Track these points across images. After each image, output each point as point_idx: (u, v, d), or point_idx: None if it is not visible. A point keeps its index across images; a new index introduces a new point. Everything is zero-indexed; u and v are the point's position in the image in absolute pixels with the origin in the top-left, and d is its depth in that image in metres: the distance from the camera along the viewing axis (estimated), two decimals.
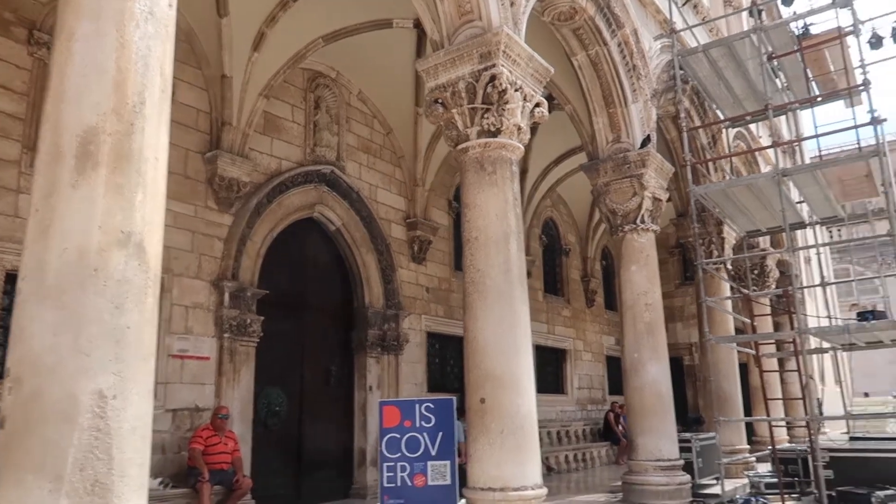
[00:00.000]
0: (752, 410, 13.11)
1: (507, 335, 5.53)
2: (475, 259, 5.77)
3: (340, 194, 9.83)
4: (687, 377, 17.75)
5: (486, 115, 5.86)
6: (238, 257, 8.23)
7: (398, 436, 5.86)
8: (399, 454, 5.83)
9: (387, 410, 5.93)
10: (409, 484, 5.76)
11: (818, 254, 11.19)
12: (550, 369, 15.04)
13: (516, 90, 5.96)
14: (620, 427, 13.98)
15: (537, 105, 6.28)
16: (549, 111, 9.66)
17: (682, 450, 9.21)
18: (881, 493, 7.59)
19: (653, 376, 8.26)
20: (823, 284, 10.66)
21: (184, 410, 7.43)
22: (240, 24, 8.22)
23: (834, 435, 11.95)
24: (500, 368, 5.47)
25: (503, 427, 5.33)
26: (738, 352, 11.06)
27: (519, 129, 5.98)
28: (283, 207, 9.01)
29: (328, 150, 9.75)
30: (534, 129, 13.10)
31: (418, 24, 8.62)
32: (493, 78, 5.84)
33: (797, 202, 10.40)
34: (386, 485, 5.78)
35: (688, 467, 9.01)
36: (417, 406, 5.90)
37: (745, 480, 9.78)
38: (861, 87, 8.33)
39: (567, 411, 14.92)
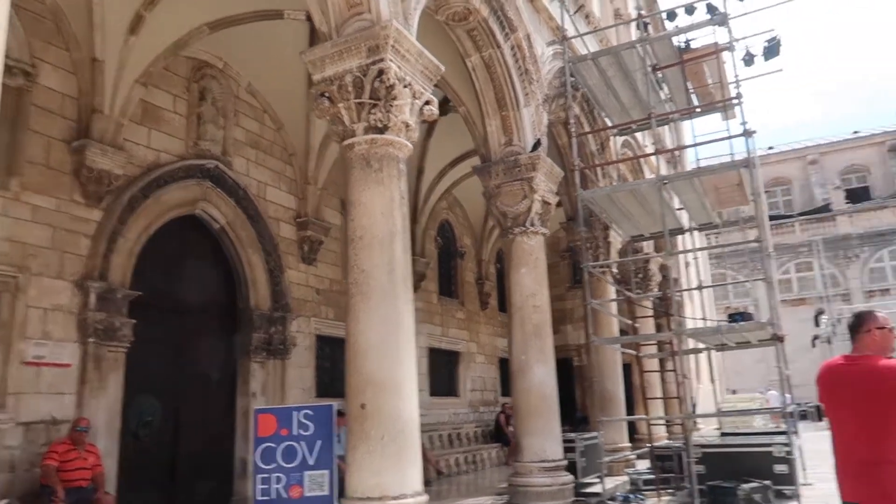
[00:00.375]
0: (635, 409, 13.62)
1: (390, 338, 5.38)
2: (359, 259, 5.59)
3: (226, 191, 9.36)
4: (577, 378, 18.23)
5: (373, 111, 5.69)
6: (108, 256, 7.64)
7: (274, 445, 5.57)
8: (275, 464, 5.54)
9: (262, 419, 5.63)
10: (285, 496, 5.49)
11: (695, 258, 11.76)
12: (444, 372, 15.01)
13: (405, 86, 5.82)
14: (511, 428, 14.14)
15: (427, 103, 6.16)
16: (445, 113, 9.77)
17: (567, 450, 9.40)
18: (746, 486, 8.01)
19: (539, 378, 8.35)
20: (700, 287, 11.24)
21: (38, 423, 6.78)
22: (114, 4, 7.64)
23: (708, 431, 12.62)
24: (381, 373, 5.30)
25: (383, 433, 5.17)
26: (623, 353, 11.45)
27: (407, 126, 5.85)
28: (161, 203, 8.45)
29: (213, 145, 9.26)
30: (430, 129, 13.13)
31: (311, 17, 8.35)
32: (381, 72, 5.68)
33: (677, 209, 10.90)
34: (259, 498, 5.48)
35: (572, 467, 9.21)
36: (295, 413, 5.64)
37: (626, 478, 10.09)
38: (735, 101, 8.80)
39: (460, 413, 14.96)
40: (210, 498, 8.73)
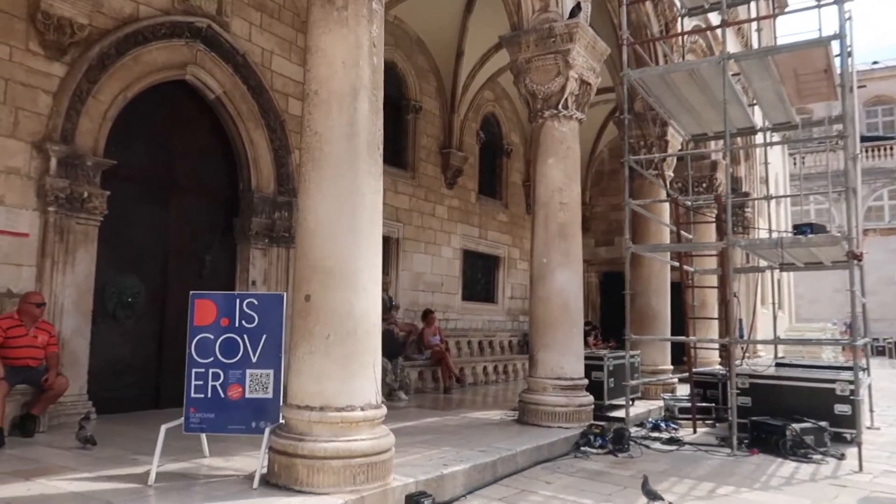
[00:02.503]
0: (685, 331, 12.34)
1: (343, 217, 4.32)
2: (312, 119, 4.48)
3: (221, 56, 8.28)
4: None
5: None
6: (73, 117, 6.77)
7: (212, 336, 4.71)
8: (212, 359, 4.69)
9: (200, 305, 4.75)
10: (222, 395, 4.66)
11: (765, 163, 10.06)
12: (481, 276, 14.05)
13: None
14: None
15: None
16: None
17: (594, 368, 8.37)
18: (797, 426, 6.80)
19: (560, 284, 7.22)
20: (768, 198, 9.63)
21: None
22: None
23: (762, 360, 11.28)
24: (332, 259, 4.29)
25: (329, 332, 4.21)
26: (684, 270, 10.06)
27: None
28: (141, 64, 7.47)
29: (206, 1, 8.12)
30: (469, 4, 11.58)
31: None
32: None
33: (749, 104, 9.20)
34: (193, 395, 4.68)
35: (598, 387, 8.19)
36: (238, 301, 4.73)
37: (661, 403, 9.00)
38: None
39: (496, 321, 14.06)
40: None
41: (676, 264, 9.61)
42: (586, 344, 14.48)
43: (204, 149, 8.50)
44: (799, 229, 6.71)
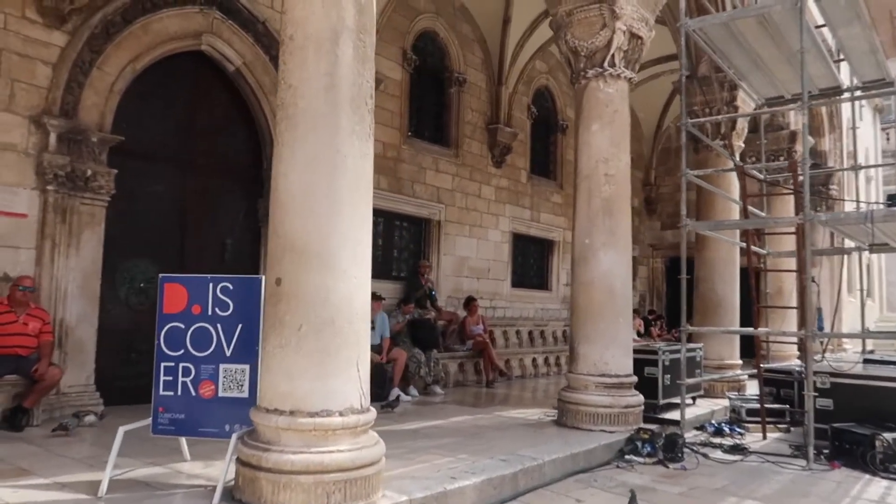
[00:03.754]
0: (758, 321, 11.14)
1: (319, 185, 3.63)
2: (287, 69, 3.80)
3: (240, 24, 7.74)
4: None
5: None
6: (74, 90, 6.35)
7: (182, 326, 4.13)
8: (182, 351, 4.11)
9: (169, 289, 4.17)
10: (193, 393, 4.08)
11: (853, 128, 8.76)
12: (532, 261, 13.18)
13: None
14: None
15: None
16: None
17: (648, 363, 7.46)
18: (888, 436, 5.73)
19: (605, 267, 6.35)
20: (855, 168, 8.37)
21: None
22: None
23: (848, 355, 10.01)
24: (304, 235, 3.61)
25: (301, 322, 3.54)
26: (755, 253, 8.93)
27: None
28: (152, 33, 6.99)
29: None
30: None
31: None
32: None
33: (835, 61, 7.99)
34: (162, 392, 4.11)
35: (651, 385, 7.28)
36: (211, 286, 4.12)
37: (727, 403, 7.99)
38: None
39: (549, 309, 13.18)
40: None
41: (752, 248, 8.50)
42: (649, 334, 13.49)
43: (224, 125, 7.99)
44: (894, 200, 5.60)
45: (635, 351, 7.09)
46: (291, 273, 3.61)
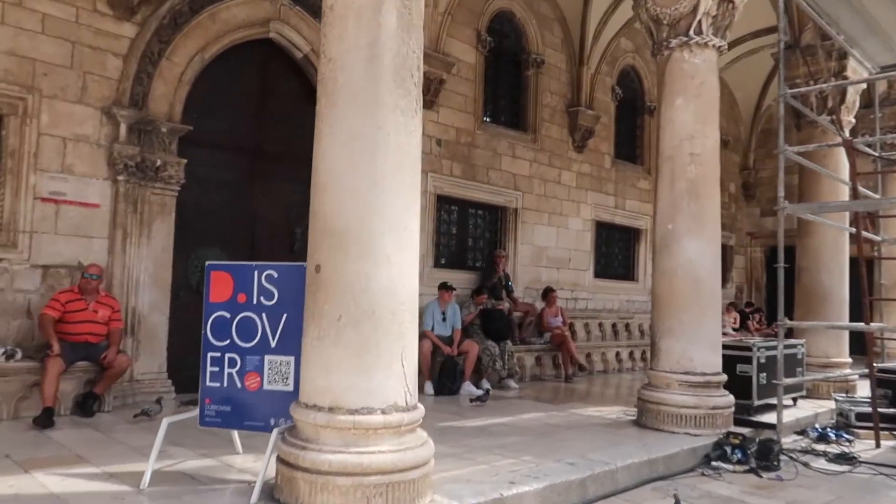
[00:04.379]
0: (871, 315, 10.08)
1: (359, 164, 3.37)
2: (326, 41, 3.56)
3: (307, 9, 7.62)
4: None
5: None
6: (144, 80, 6.40)
7: (228, 315, 3.99)
8: (228, 341, 3.98)
9: (216, 277, 4.04)
10: (239, 385, 3.93)
11: None
12: (617, 251, 12.54)
13: None
14: None
15: None
16: None
17: (741, 360, 6.82)
18: None
19: (690, 255, 5.78)
20: None
21: (60, 268, 5.92)
22: None
23: None
24: (343, 218, 3.36)
25: (341, 312, 3.29)
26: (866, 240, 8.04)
27: None
28: (218, 22, 6.97)
29: None
30: None
31: None
32: None
33: None
34: (209, 384, 3.99)
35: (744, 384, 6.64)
36: (256, 274, 3.95)
37: (833, 405, 7.20)
38: None
39: (636, 301, 12.50)
40: None
41: (864, 234, 7.62)
42: (746, 328, 12.55)
43: (293, 112, 7.89)
44: None
45: (726, 347, 6.48)
46: (330, 259, 3.37)
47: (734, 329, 11.39)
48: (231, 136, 7.33)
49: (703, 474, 4.94)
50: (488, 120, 10.00)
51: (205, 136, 6.94)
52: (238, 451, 4.36)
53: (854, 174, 6.55)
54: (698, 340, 5.74)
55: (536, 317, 9.55)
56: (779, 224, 6.10)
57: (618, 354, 10.71)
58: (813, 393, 7.91)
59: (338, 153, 3.42)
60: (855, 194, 6.57)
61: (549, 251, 10.68)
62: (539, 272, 10.47)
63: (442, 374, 7.51)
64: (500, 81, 10.30)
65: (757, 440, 5.33)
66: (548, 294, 9.66)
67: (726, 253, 15.24)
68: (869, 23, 6.78)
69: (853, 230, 7.26)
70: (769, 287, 15.12)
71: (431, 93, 8.79)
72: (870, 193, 7.49)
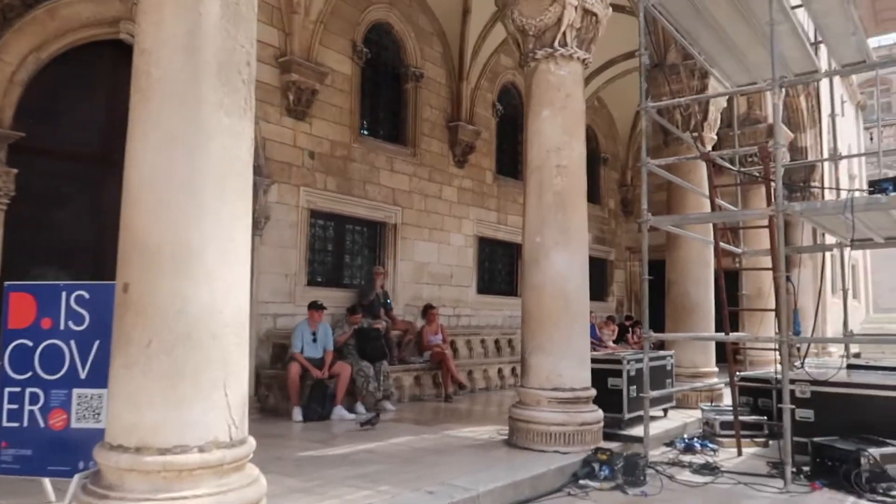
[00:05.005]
0: (739, 325, 10.54)
1: (177, 170, 2.98)
2: (140, 31, 3.15)
3: None
4: None
5: None
6: None
7: (30, 343, 3.45)
8: (30, 374, 3.43)
9: (16, 300, 3.50)
10: (42, 424, 3.40)
11: (832, 115, 8.15)
12: (500, 267, 12.55)
13: None
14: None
15: None
16: None
17: (611, 373, 6.82)
18: (876, 452, 5.12)
19: (558, 269, 5.72)
20: (834, 158, 7.80)
21: None
22: None
23: (833, 360, 9.43)
24: (158, 230, 2.95)
25: (151, 337, 2.87)
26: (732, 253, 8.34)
27: None
28: (58, 19, 6.35)
29: None
30: None
31: None
32: None
33: (812, 43, 7.43)
34: (6, 424, 3.43)
35: (615, 398, 6.64)
36: (64, 295, 3.45)
37: (699, 415, 7.36)
38: None
39: (519, 317, 12.48)
40: None
41: (725, 246, 7.89)
42: (626, 341, 12.85)
43: None
44: (877, 186, 5.02)
45: (597, 360, 6.50)
46: (141, 277, 2.95)
47: (613, 342, 11.61)
48: (75, 144, 6.68)
49: (569, 494, 4.80)
50: (366, 133, 9.73)
51: (42, 144, 6.28)
52: (51, 500, 3.79)
53: (712, 186, 6.75)
54: (568, 355, 5.67)
55: (416, 335, 9.30)
56: (643, 236, 6.18)
57: (500, 371, 10.62)
58: (683, 403, 8.09)
59: (152, 158, 3.02)
60: (713, 206, 6.77)
61: (430, 267, 10.49)
62: (420, 289, 10.25)
63: (311, 398, 7.09)
64: (379, 94, 10.07)
65: (624, 455, 5.28)
66: (427, 311, 9.45)
67: (607, 267, 15.67)
68: (727, 42, 7.05)
69: (722, 244, 7.48)
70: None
71: (303, 103, 8.42)
72: (730, 206, 7.77)
